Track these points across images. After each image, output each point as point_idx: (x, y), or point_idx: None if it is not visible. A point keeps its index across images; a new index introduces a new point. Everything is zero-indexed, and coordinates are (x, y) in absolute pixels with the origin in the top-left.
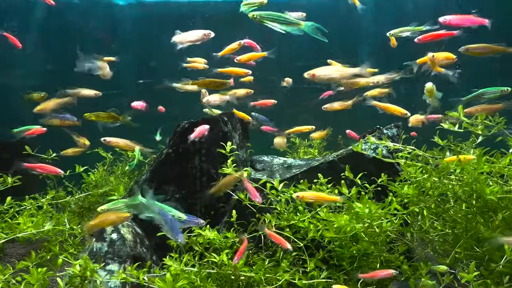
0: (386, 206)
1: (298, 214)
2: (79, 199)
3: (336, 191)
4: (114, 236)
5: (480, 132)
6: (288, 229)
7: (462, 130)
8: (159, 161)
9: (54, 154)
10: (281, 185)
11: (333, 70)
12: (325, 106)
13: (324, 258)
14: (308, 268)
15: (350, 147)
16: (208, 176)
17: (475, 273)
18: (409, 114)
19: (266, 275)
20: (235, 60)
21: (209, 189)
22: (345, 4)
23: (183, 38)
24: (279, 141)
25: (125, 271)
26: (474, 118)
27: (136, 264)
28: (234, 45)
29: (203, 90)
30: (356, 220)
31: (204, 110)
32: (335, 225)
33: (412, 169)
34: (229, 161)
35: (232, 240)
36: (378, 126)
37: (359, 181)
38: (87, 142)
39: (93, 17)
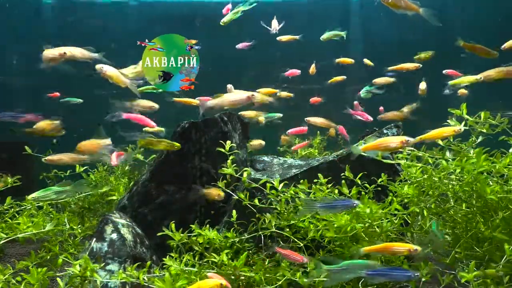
0: (387, 206)
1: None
2: (79, 199)
3: (336, 191)
4: (114, 236)
5: (484, 131)
6: (288, 229)
7: (467, 128)
8: (159, 161)
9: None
10: (281, 185)
11: None
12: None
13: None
14: (308, 268)
15: (350, 147)
16: (208, 176)
17: (475, 273)
18: None
19: (266, 275)
20: None
21: None
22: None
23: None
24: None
25: (125, 271)
26: (477, 116)
27: (136, 264)
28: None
29: None
30: (356, 220)
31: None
32: (335, 225)
33: (412, 169)
34: (228, 160)
35: (232, 240)
36: (375, 128)
37: (359, 181)
38: None
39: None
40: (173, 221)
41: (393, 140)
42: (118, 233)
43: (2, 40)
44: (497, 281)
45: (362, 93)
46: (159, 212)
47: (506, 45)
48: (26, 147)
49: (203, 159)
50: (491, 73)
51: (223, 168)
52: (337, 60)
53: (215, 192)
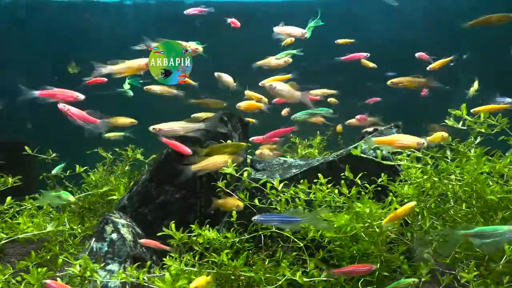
0: (386, 206)
1: None
2: (79, 199)
3: (336, 191)
4: (114, 236)
5: (483, 131)
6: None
7: (465, 128)
8: (159, 161)
9: (54, 154)
10: (281, 185)
11: None
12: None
13: (324, 258)
14: (308, 268)
15: (350, 147)
16: (207, 176)
17: (475, 273)
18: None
19: (266, 275)
20: None
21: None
22: None
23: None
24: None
25: (125, 271)
26: (477, 117)
27: (136, 264)
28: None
29: None
30: (356, 220)
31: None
32: (335, 225)
33: (412, 170)
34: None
35: (232, 240)
36: (376, 128)
37: (359, 181)
38: None
39: None
40: (173, 221)
41: (409, 140)
42: (118, 233)
43: None
44: (497, 281)
45: (297, 117)
46: (159, 212)
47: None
48: (26, 147)
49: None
50: None
51: (223, 168)
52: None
53: (232, 202)
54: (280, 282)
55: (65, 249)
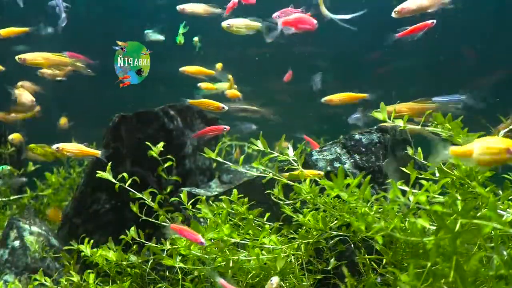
0: None
1: None
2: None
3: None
4: (17, 243)
5: None
6: None
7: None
8: (94, 162)
9: None
10: None
11: None
12: None
13: None
14: None
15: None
16: (143, 184)
17: None
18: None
19: None
20: None
21: None
22: None
23: None
24: None
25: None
26: None
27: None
28: None
29: None
30: None
31: None
32: None
33: None
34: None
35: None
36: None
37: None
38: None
39: None
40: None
41: None
42: (21, 240)
43: None
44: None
45: None
46: (90, 224)
47: None
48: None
49: (134, 163)
50: None
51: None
52: None
53: None
54: None
55: None
